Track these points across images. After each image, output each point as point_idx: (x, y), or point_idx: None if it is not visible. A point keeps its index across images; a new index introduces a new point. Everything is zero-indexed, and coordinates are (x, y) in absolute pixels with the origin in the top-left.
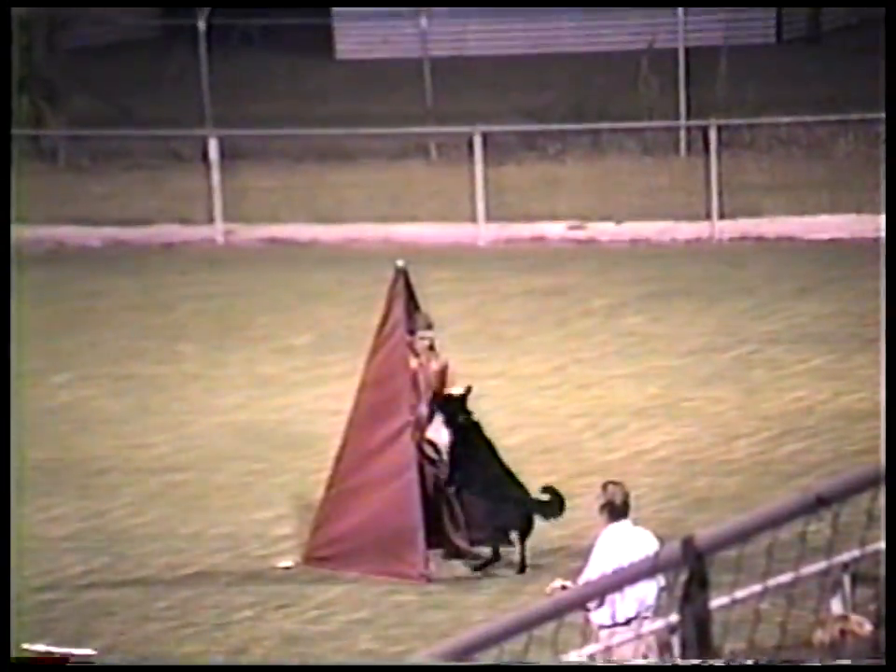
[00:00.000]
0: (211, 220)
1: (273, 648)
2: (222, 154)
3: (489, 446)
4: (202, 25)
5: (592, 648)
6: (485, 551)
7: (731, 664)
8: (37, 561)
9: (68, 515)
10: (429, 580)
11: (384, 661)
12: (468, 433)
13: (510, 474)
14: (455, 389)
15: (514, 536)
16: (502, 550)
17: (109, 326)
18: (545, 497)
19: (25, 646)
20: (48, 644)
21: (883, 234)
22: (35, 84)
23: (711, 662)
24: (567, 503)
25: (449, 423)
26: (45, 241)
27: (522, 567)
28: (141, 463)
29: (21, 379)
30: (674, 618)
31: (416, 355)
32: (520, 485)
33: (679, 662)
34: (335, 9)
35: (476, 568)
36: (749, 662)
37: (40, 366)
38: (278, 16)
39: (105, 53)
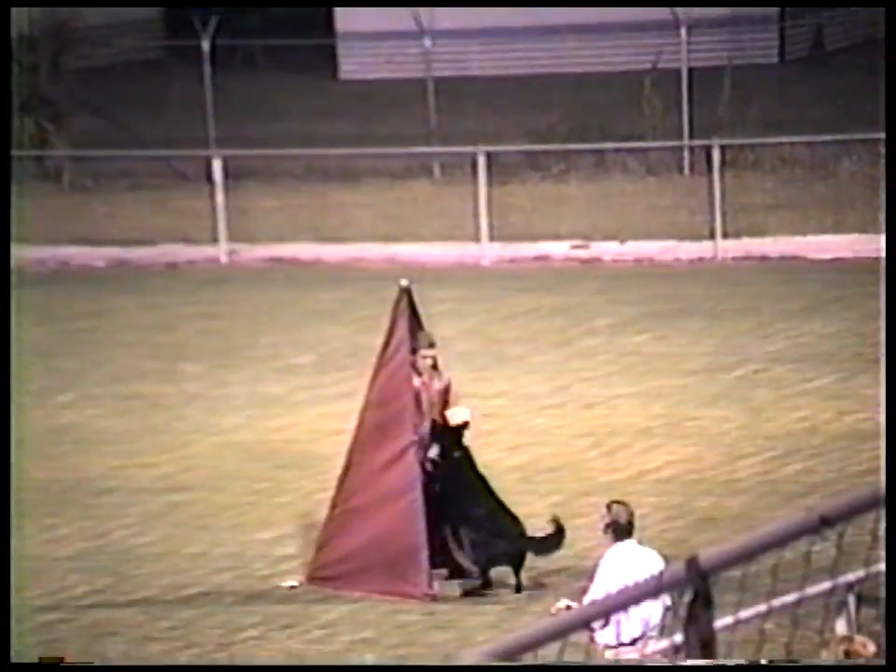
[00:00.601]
0: (215, 240)
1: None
2: (226, 174)
3: (481, 479)
4: (205, 46)
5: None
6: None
7: (731, 664)
8: (41, 581)
9: (71, 535)
10: (433, 599)
11: (385, 661)
12: (461, 467)
13: (503, 507)
14: (457, 414)
15: (507, 568)
16: (501, 570)
17: (113, 345)
18: (541, 534)
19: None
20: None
21: (884, 254)
22: (39, 105)
23: (711, 661)
24: (571, 523)
25: (443, 455)
26: (49, 261)
27: (518, 587)
28: (144, 483)
29: (25, 399)
30: (678, 638)
31: (419, 374)
32: (514, 519)
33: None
34: (339, 30)
35: (466, 594)
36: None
37: (44, 385)
38: (282, 36)
39: (109, 74)
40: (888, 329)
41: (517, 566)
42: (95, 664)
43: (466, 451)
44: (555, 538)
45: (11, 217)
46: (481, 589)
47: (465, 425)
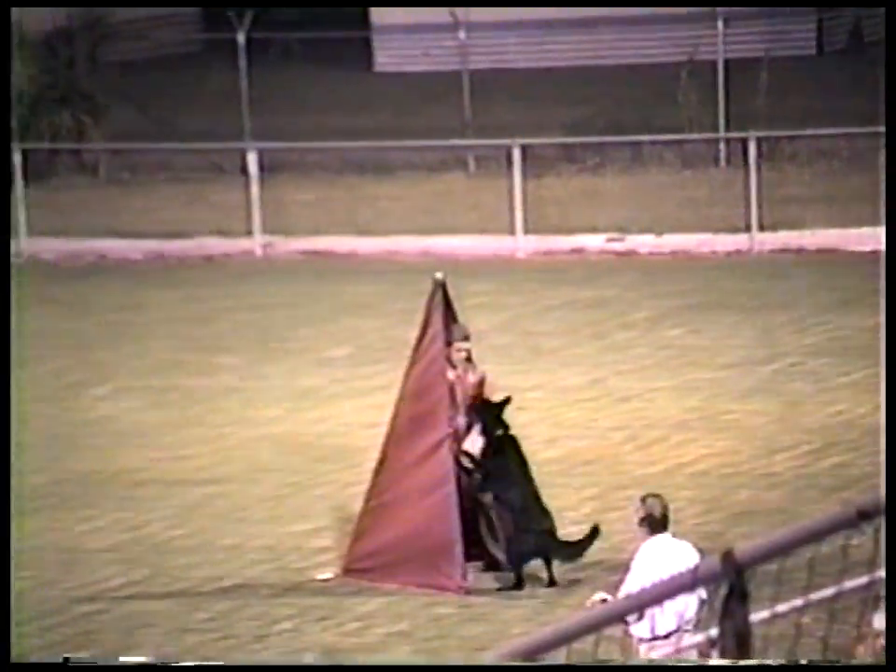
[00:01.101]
0: (250, 233)
1: (312, 660)
2: (262, 167)
3: (523, 464)
4: (241, 39)
5: (631, 662)
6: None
7: (731, 664)
8: (78, 573)
9: (109, 527)
10: (468, 592)
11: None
12: (502, 446)
13: (537, 498)
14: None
15: (536, 562)
16: (535, 563)
17: (149, 338)
18: (572, 538)
19: (66, 656)
20: (90, 655)
21: (884, 252)
22: (77, 98)
23: (712, 661)
24: (606, 516)
25: (484, 432)
26: (86, 254)
27: (551, 581)
28: (180, 475)
29: (63, 391)
30: (714, 632)
31: (454, 366)
32: (545, 512)
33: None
34: (374, 22)
35: (500, 589)
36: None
37: (81, 378)
38: (317, 29)
39: (146, 67)
40: (888, 327)
41: (547, 559)
42: (98, 663)
43: (507, 429)
44: (583, 543)
45: (21, 212)
46: (513, 589)
47: (507, 400)
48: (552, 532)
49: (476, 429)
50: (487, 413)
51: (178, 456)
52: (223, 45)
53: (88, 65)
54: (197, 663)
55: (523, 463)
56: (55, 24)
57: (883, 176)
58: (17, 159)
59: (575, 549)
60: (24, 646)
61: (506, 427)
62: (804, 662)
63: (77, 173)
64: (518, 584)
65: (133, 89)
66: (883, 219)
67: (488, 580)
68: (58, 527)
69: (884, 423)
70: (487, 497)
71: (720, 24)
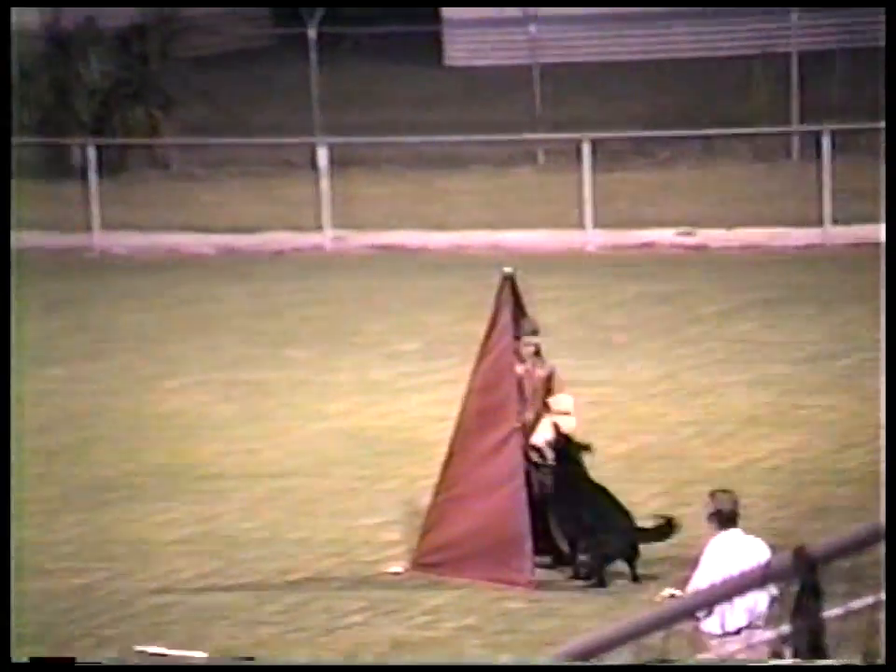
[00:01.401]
0: (320, 227)
1: (382, 653)
2: (332, 161)
3: (588, 480)
4: (312, 34)
5: (702, 657)
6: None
7: (731, 664)
8: (151, 564)
9: (180, 519)
10: (537, 586)
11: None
12: (568, 468)
13: (614, 501)
14: (561, 402)
15: (620, 563)
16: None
17: (220, 332)
18: (651, 524)
19: (139, 648)
20: (161, 646)
21: (884, 253)
22: (149, 93)
23: (712, 661)
24: (676, 511)
25: (556, 453)
26: (158, 248)
27: (634, 577)
28: (251, 468)
29: (135, 385)
30: (786, 628)
31: (522, 361)
32: (625, 512)
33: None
34: (445, 16)
35: (583, 586)
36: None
37: (153, 371)
38: (388, 24)
39: (217, 63)
40: (888, 326)
41: (631, 558)
42: (102, 663)
43: (573, 451)
44: (664, 529)
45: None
46: (595, 587)
47: (586, 447)
48: (633, 529)
49: (544, 431)
50: (563, 447)
51: (249, 450)
52: (294, 40)
53: (161, 61)
54: (303, 647)
55: (586, 473)
56: (128, 20)
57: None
58: (91, 154)
59: (657, 533)
60: (98, 636)
61: (579, 464)
62: (803, 663)
63: (150, 167)
64: (600, 583)
65: (204, 84)
66: (883, 217)
67: (558, 574)
68: (130, 520)
69: (883, 421)
70: (558, 495)
71: (793, 16)
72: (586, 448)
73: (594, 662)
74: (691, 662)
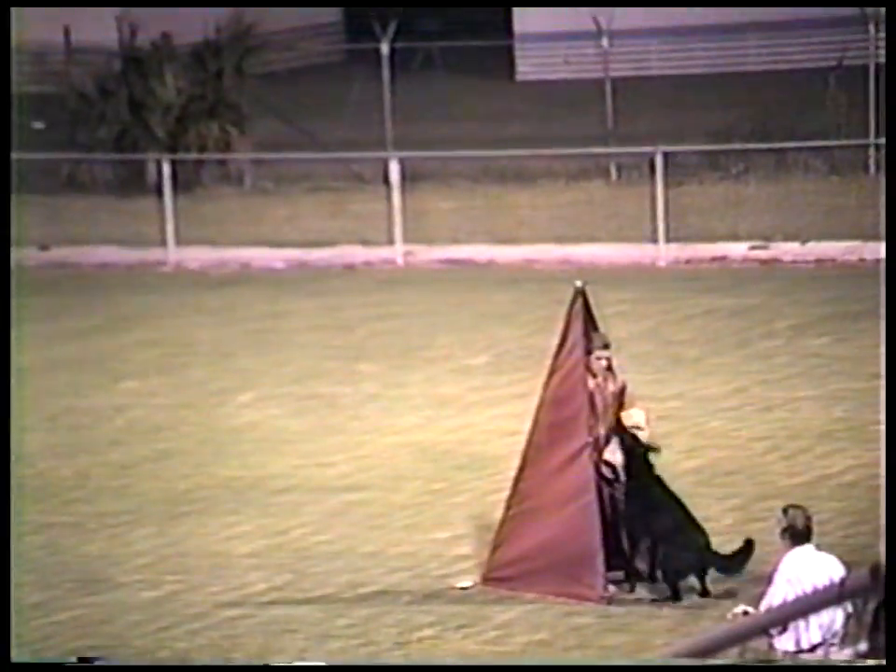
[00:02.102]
0: (391, 242)
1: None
2: (403, 176)
3: (665, 487)
4: (384, 49)
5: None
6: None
7: (732, 664)
8: (223, 577)
9: (252, 533)
10: (609, 602)
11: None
12: (644, 476)
13: (690, 517)
14: (633, 416)
15: (693, 578)
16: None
17: (292, 346)
18: (728, 551)
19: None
20: (238, 658)
21: (884, 262)
22: (223, 109)
23: (713, 662)
24: (750, 527)
25: (628, 466)
26: (231, 262)
27: (704, 591)
28: (322, 482)
29: (208, 398)
30: (863, 646)
31: (594, 375)
32: (701, 531)
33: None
34: (516, 31)
35: (654, 600)
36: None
37: (225, 385)
38: (460, 38)
39: (290, 78)
40: (888, 334)
41: (702, 575)
42: (98, 663)
43: (647, 457)
44: (742, 555)
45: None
46: (670, 600)
47: (655, 448)
48: (708, 547)
49: (616, 446)
50: (634, 451)
51: (320, 463)
52: (366, 55)
53: (234, 77)
54: (373, 662)
55: (664, 486)
56: (204, 37)
57: (882, 189)
58: (166, 170)
59: (733, 562)
60: (171, 648)
61: (650, 466)
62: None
63: (223, 183)
64: (675, 596)
65: (277, 99)
66: (882, 231)
67: (629, 589)
68: (203, 533)
69: (884, 429)
70: (631, 513)
71: (871, 28)
72: (655, 450)
73: None
74: None
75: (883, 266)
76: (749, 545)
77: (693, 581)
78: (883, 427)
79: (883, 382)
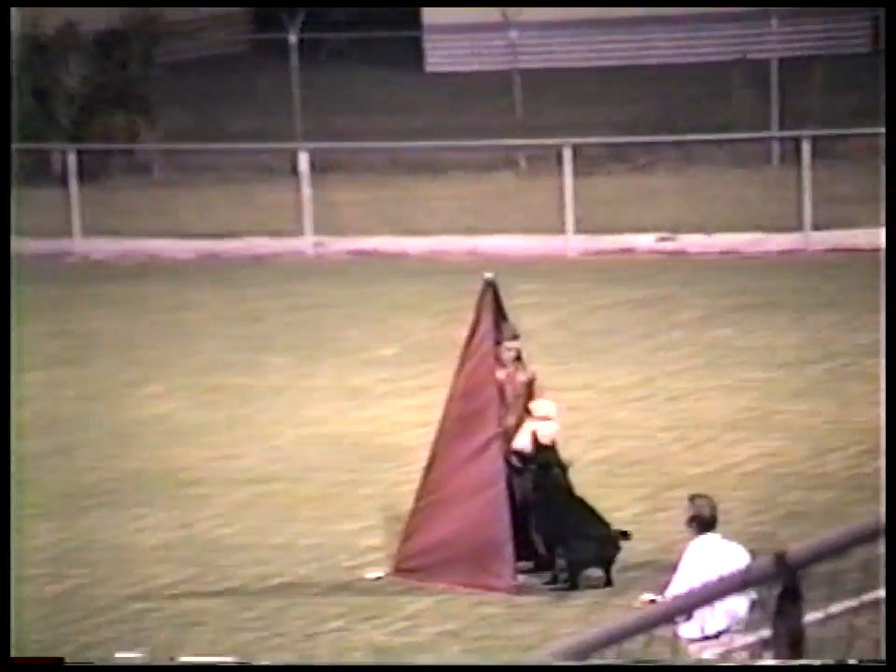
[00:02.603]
0: (301, 233)
1: (362, 659)
2: (312, 167)
3: (568, 482)
4: (292, 39)
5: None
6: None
7: (731, 664)
8: (129, 571)
9: (159, 525)
10: (518, 592)
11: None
12: (549, 469)
13: (592, 510)
14: (541, 408)
15: (597, 570)
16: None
17: (200, 337)
18: (621, 530)
19: (119, 654)
20: (141, 653)
21: (884, 254)
22: (130, 99)
23: (713, 662)
24: (656, 516)
25: (534, 462)
26: (138, 254)
27: (608, 581)
28: (230, 474)
29: (114, 390)
30: (766, 633)
31: (503, 366)
32: (603, 521)
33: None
34: (425, 22)
35: (553, 590)
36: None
37: (132, 377)
38: (368, 29)
39: (197, 68)
40: (888, 327)
41: (607, 566)
42: (95, 663)
43: (554, 453)
44: (625, 532)
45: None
46: (567, 590)
47: (552, 445)
48: (610, 538)
49: (525, 434)
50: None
51: (228, 455)
52: (274, 45)
53: (141, 66)
54: (197, 663)
55: (567, 487)
56: (108, 25)
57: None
58: (71, 160)
59: (626, 534)
60: (77, 642)
61: (560, 465)
62: (804, 662)
63: (130, 173)
64: (573, 587)
65: (184, 89)
66: (883, 220)
67: (537, 579)
68: (110, 525)
69: (883, 426)
70: (537, 501)
71: (773, 23)
72: (563, 467)
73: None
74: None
75: (883, 257)
76: (624, 534)
77: (597, 571)
78: (883, 428)
79: (883, 383)
